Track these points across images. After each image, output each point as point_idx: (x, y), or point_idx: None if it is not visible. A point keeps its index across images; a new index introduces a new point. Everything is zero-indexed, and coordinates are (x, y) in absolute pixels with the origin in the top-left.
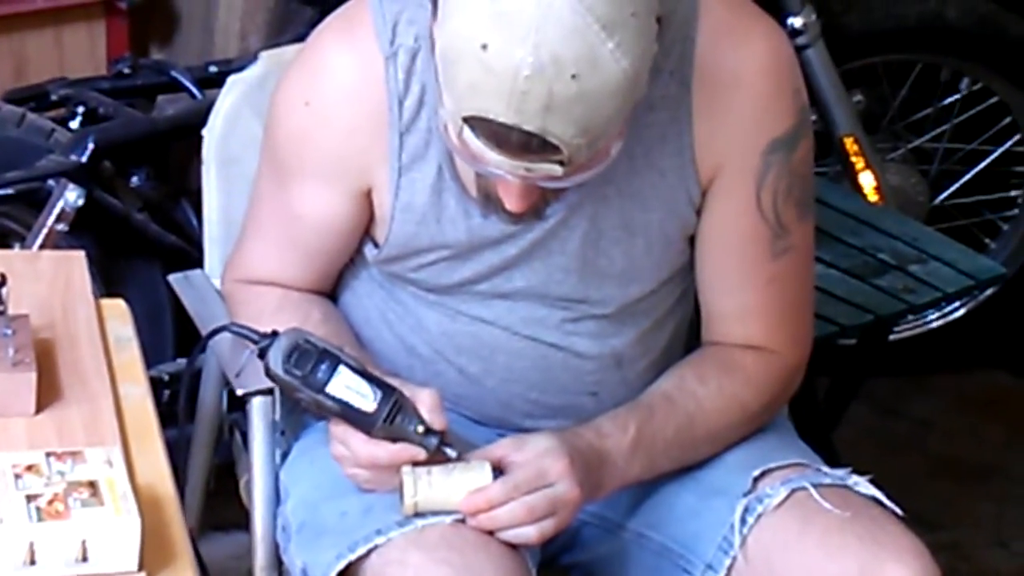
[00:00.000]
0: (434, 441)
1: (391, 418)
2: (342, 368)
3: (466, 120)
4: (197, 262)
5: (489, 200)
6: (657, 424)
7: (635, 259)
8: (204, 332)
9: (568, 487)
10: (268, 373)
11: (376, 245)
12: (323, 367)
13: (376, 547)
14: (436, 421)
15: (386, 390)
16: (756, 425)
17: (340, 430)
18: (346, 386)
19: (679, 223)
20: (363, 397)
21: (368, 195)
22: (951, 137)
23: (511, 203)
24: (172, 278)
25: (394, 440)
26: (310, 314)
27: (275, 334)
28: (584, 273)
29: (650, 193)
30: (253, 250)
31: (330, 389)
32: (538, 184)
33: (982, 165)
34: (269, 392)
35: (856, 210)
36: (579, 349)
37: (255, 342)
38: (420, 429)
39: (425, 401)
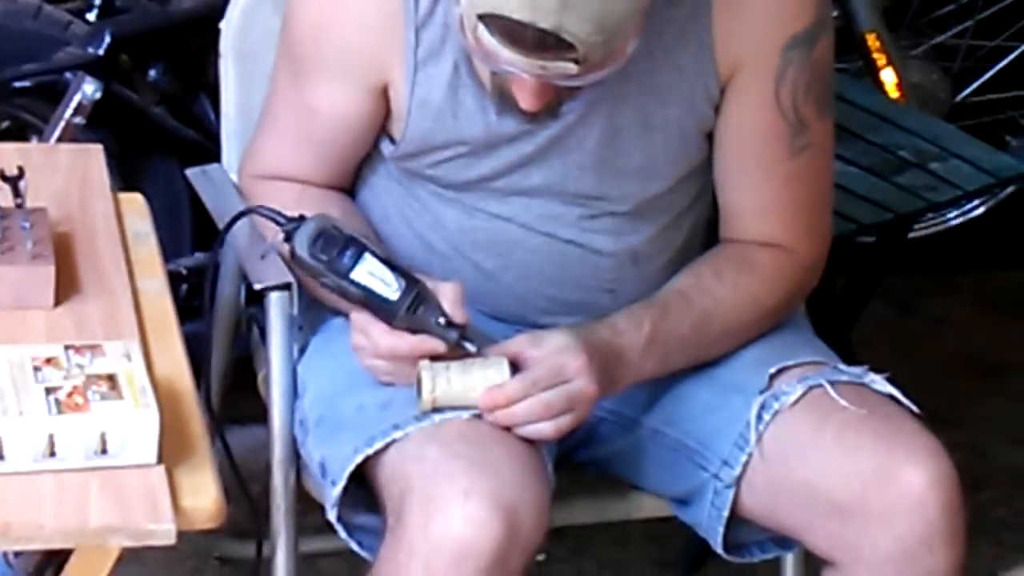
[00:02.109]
0: (454, 334)
1: (413, 308)
2: (367, 255)
3: (480, 17)
4: (215, 156)
5: (504, 98)
6: (672, 321)
7: (653, 156)
8: (222, 226)
9: (585, 383)
10: (294, 256)
11: (393, 141)
12: (348, 253)
13: (394, 441)
14: (457, 314)
15: (409, 280)
16: (772, 322)
17: (362, 319)
18: (370, 273)
19: (697, 119)
20: (387, 285)
21: (384, 91)
22: (974, 33)
23: (525, 101)
24: (190, 172)
25: (414, 332)
26: (328, 210)
27: (302, 218)
28: (602, 170)
29: (669, 89)
30: (270, 145)
31: (354, 275)
32: (553, 82)
33: (1005, 62)
34: (287, 287)
35: (877, 107)
36: (596, 246)
37: (282, 225)
38: (441, 321)
39: (447, 294)
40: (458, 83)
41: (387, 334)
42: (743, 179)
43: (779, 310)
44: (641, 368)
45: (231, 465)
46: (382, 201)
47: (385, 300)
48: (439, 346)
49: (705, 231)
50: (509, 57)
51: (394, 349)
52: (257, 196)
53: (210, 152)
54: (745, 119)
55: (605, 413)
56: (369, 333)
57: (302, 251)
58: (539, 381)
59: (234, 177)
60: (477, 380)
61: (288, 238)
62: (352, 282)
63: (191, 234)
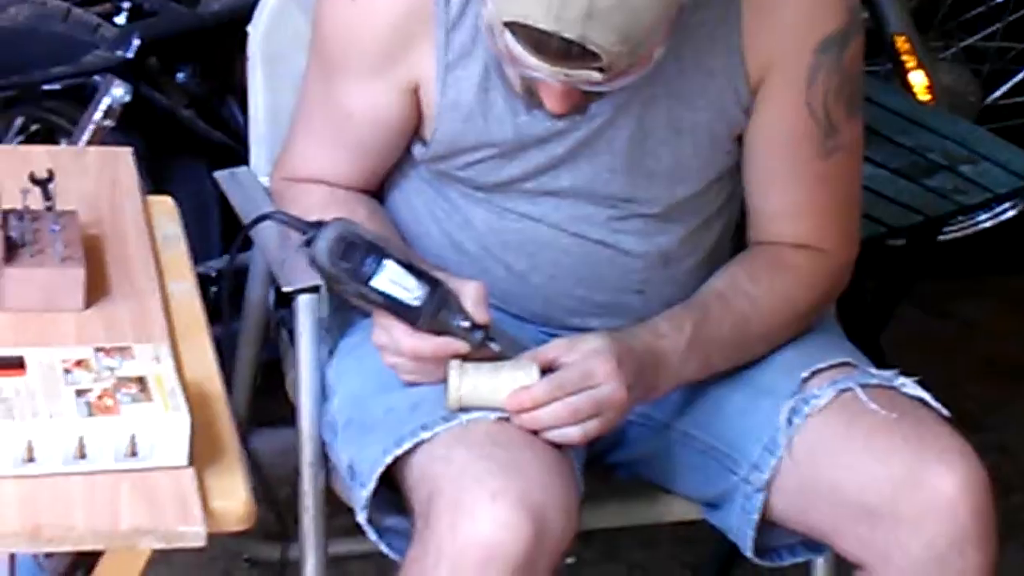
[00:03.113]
0: (479, 335)
1: (435, 312)
2: (387, 262)
3: (506, 25)
4: (243, 159)
5: (532, 96)
6: (712, 323)
7: (682, 159)
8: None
9: (613, 389)
10: (313, 263)
11: (424, 143)
12: (369, 260)
13: (422, 443)
14: (480, 314)
15: (431, 285)
16: (806, 324)
17: (384, 318)
18: (391, 280)
19: (727, 123)
20: (408, 291)
21: (415, 92)
22: (1004, 35)
23: (552, 104)
24: (218, 175)
25: (438, 334)
26: (356, 211)
27: (321, 224)
28: (631, 173)
29: (698, 93)
30: (302, 148)
31: (375, 282)
32: (579, 88)
33: None
34: (316, 289)
35: (907, 110)
36: (626, 247)
37: (301, 232)
38: (465, 324)
39: (469, 294)
40: (488, 85)
41: (409, 336)
42: (774, 181)
43: (812, 312)
44: (682, 371)
45: (258, 467)
46: (412, 202)
47: (407, 306)
48: (463, 347)
49: (735, 234)
50: (534, 63)
51: (416, 351)
52: (287, 199)
53: (238, 155)
54: (776, 122)
55: (635, 416)
56: (392, 333)
57: (321, 258)
58: (565, 385)
59: (263, 180)
60: (504, 381)
61: (308, 244)
62: (373, 289)
63: (220, 237)
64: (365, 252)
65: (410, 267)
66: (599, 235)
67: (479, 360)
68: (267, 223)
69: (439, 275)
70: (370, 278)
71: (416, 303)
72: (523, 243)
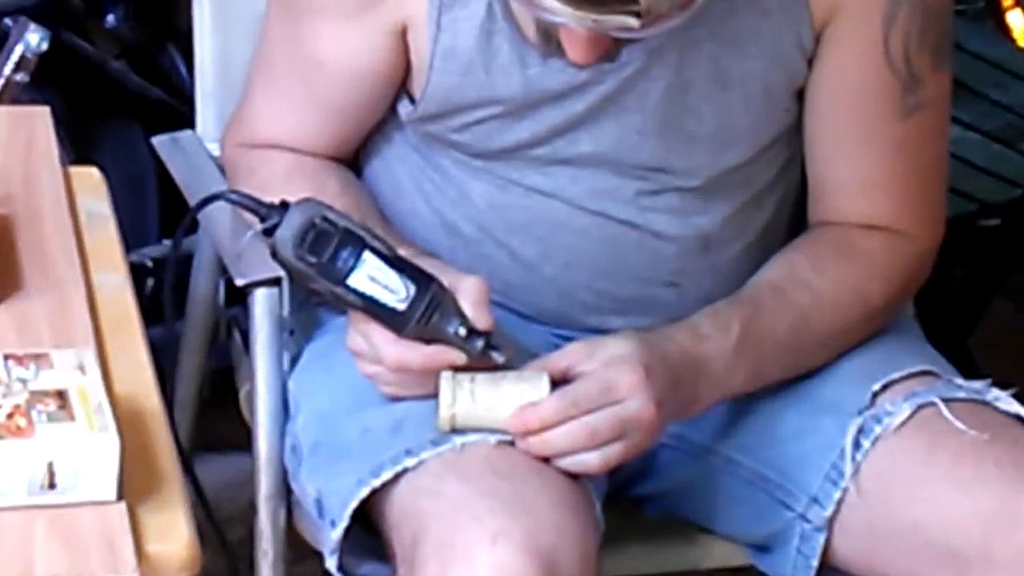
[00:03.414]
0: (479, 344)
1: (427, 317)
2: (367, 255)
3: None
4: (187, 121)
5: (549, 42)
6: (765, 322)
7: (730, 119)
8: (193, 204)
9: (641, 404)
10: (275, 257)
11: (411, 100)
12: (344, 253)
13: (405, 471)
14: (480, 318)
15: (420, 283)
16: (879, 324)
17: (363, 324)
18: (371, 278)
19: (785, 74)
20: (391, 292)
21: (402, 36)
22: None
23: (576, 53)
24: (157, 141)
25: (428, 341)
26: (326, 184)
27: (285, 206)
28: (666, 135)
29: (750, 37)
30: (262, 107)
31: (353, 281)
32: (609, 34)
33: None
34: (276, 282)
35: (1002, 58)
36: (658, 228)
37: (259, 216)
38: (462, 331)
39: (468, 293)
40: (492, 28)
41: (393, 344)
42: (842, 147)
43: (888, 308)
44: (728, 382)
45: (204, 502)
46: (395, 173)
47: (391, 311)
48: (458, 358)
49: (791, 212)
50: (555, 6)
51: (402, 362)
52: (242, 168)
53: (181, 116)
54: (845, 73)
55: (667, 438)
56: (372, 340)
57: (286, 251)
58: (582, 400)
59: (211, 147)
60: (507, 397)
61: (268, 233)
62: (349, 289)
63: (158, 217)
64: (339, 243)
65: (395, 261)
66: (625, 214)
67: (477, 371)
68: (218, 203)
69: (429, 267)
70: (346, 276)
71: (402, 307)
72: (531, 224)
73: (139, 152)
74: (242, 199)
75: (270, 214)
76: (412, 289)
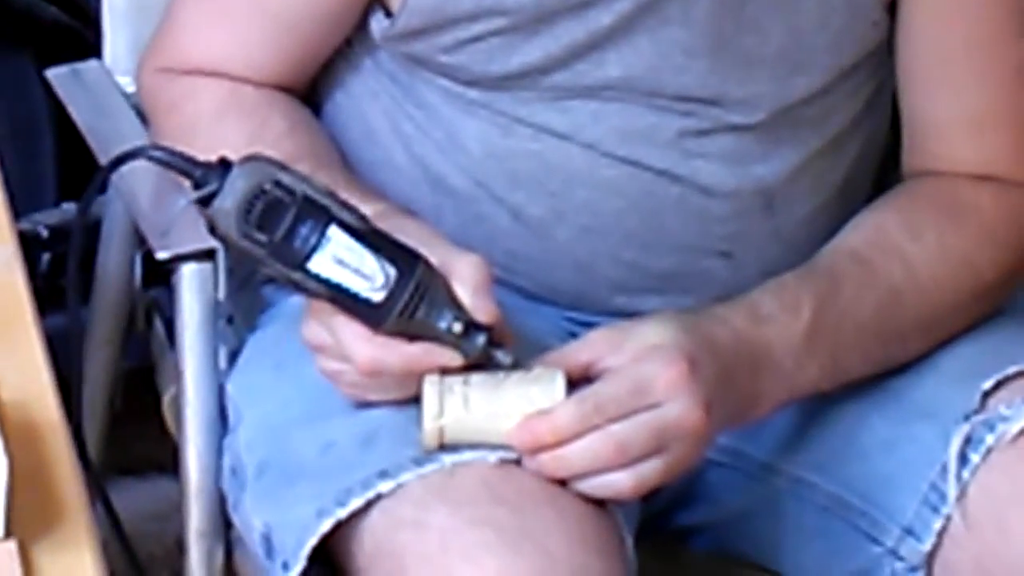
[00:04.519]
0: (479, 341)
1: (410, 310)
2: (333, 230)
3: None
4: (92, 49)
5: None
6: (846, 301)
7: (801, 35)
8: (103, 159)
9: (683, 408)
10: (214, 233)
11: (387, 12)
12: (303, 229)
13: (379, 498)
14: (481, 309)
15: (402, 266)
16: (991, 304)
17: (328, 310)
18: (338, 260)
19: None
20: (365, 279)
21: None
22: None
23: None
24: (52, 74)
25: (412, 337)
26: (267, 121)
27: (226, 165)
28: (719, 57)
29: None
30: (191, 20)
31: (315, 265)
32: None
33: None
34: (208, 255)
35: None
36: (706, 180)
37: (192, 180)
38: (457, 327)
39: (465, 276)
40: None
41: (366, 341)
42: (947, 75)
43: (1002, 284)
44: (797, 378)
45: (121, 538)
46: (364, 111)
47: (364, 303)
48: (452, 358)
49: (879, 161)
50: None
51: (377, 363)
52: (164, 103)
53: (84, 42)
54: None
55: (717, 453)
56: (339, 335)
57: (227, 226)
58: (607, 405)
59: (122, 81)
60: (510, 402)
61: (206, 202)
62: (310, 275)
63: (55, 174)
64: (297, 215)
65: (369, 237)
66: (665, 162)
67: (471, 370)
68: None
69: (412, 238)
70: (306, 258)
71: (378, 297)
72: (542, 175)
73: (29, 89)
74: (169, 157)
75: (206, 177)
76: (392, 274)
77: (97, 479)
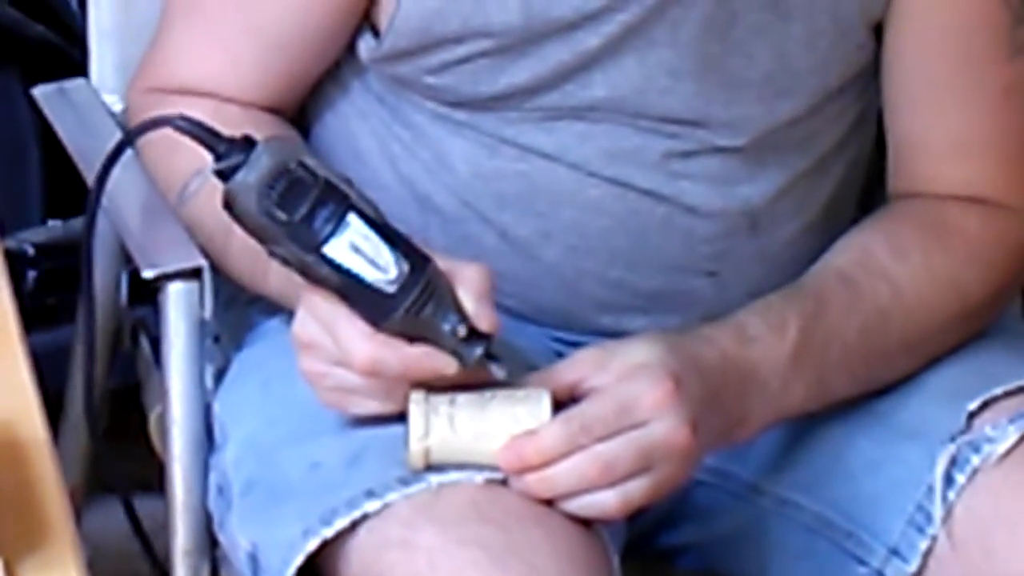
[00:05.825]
0: (477, 351)
1: (418, 307)
2: (352, 218)
3: None
4: (78, 67)
5: None
6: (832, 322)
7: (787, 58)
8: (90, 177)
9: (669, 428)
10: (231, 209)
11: (375, 34)
12: (324, 212)
13: (366, 517)
14: (483, 317)
15: (415, 262)
16: (977, 325)
17: (326, 306)
18: (355, 247)
19: (858, 1)
20: (380, 270)
21: None
22: None
23: None
24: (39, 92)
25: (411, 339)
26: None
27: (251, 143)
28: (705, 78)
29: None
30: (181, 41)
31: (331, 250)
32: None
33: None
34: (196, 274)
35: None
36: (691, 201)
37: (215, 152)
38: (461, 330)
39: (471, 283)
40: None
41: (368, 339)
42: (935, 97)
43: (988, 305)
44: (784, 398)
45: (107, 559)
46: (352, 131)
47: (377, 292)
48: (449, 365)
49: (864, 183)
50: None
51: (377, 364)
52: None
53: (71, 60)
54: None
55: (704, 473)
56: (336, 331)
57: (247, 201)
58: (593, 425)
59: (109, 99)
60: (497, 423)
61: (225, 176)
62: (325, 260)
63: (41, 191)
64: (319, 198)
65: (385, 230)
66: (651, 182)
67: (457, 390)
68: (126, 158)
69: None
70: (323, 242)
71: (391, 288)
72: (528, 196)
73: (16, 107)
74: (194, 128)
75: (230, 152)
76: (404, 268)
77: (81, 499)
